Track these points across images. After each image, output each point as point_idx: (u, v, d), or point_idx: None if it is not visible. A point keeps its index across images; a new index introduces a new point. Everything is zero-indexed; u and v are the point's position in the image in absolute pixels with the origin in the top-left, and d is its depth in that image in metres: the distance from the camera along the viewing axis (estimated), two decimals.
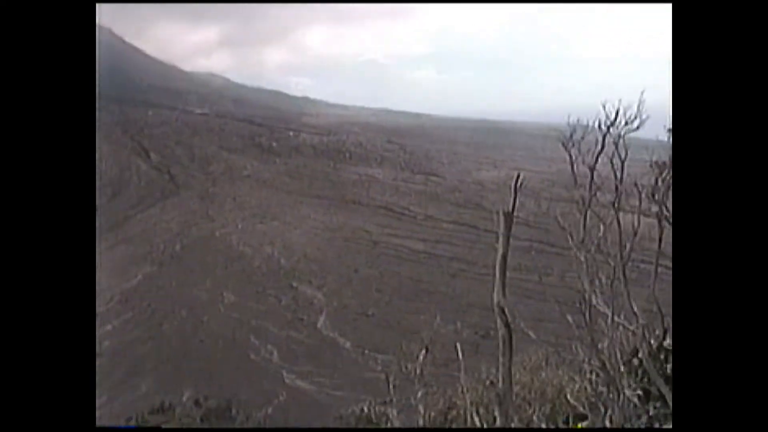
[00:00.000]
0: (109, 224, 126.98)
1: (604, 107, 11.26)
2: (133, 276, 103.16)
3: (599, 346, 11.67)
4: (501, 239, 10.58)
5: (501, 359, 10.74)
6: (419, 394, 17.15)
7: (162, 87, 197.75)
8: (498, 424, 11.05)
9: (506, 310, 10.59)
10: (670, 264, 7.84)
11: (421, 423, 17.39)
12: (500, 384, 10.85)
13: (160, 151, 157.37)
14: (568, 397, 14.39)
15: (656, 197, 10.93)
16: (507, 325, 10.63)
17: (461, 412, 17.48)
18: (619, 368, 11.71)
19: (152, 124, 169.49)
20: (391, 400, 18.95)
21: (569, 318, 12.50)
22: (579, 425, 13.93)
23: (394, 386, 18.54)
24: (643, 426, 11.55)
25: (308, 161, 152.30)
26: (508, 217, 10.51)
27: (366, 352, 77.98)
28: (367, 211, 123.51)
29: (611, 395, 11.67)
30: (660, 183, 10.88)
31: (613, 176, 11.53)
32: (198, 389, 69.29)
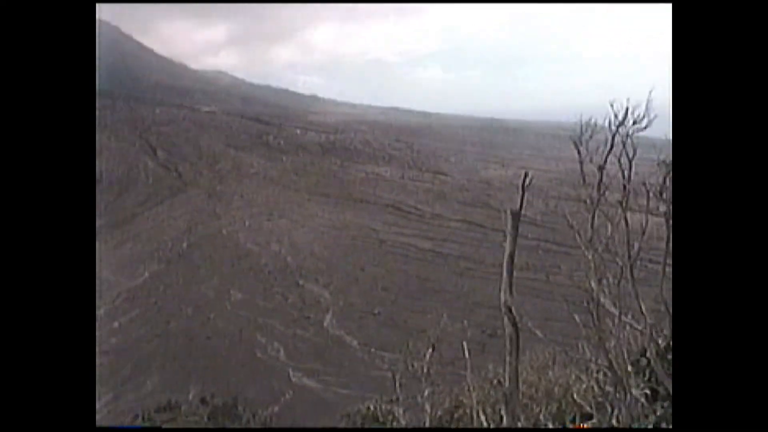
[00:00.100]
0: (117, 222, 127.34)
1: (612, 106, 11.22)
2: (140, 274, 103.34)
3: (607, 345, 11.62)
4: (508, 238, 10.56)
5: (508, 358, 10.72)
6: (426, 392, 17.15)
7: (170, 85, 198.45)
8: (505, 423, 11.02)
9: (513, 309, 10.56)
10: None
11: (427, 421, 17.37)
12: (507, 383, 10.83)
13: (168, 148, 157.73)
14: (575, 396, 14.36)
15: (664, 196, 10.88)
16: (514, 324, 10.61)
17: (468, 411, 17.46)
18: (626, 368, 11.68)
19: (160, 122, 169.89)
20: (398, 399, 18.97)
21: (576, 317, 12.46)
22: (584, 425, 13.90)
23: (400, 385, 18.55)
24: (650, 426, 11.52)
25: (315, 159, 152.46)
26: (516, 215, 10.48)
27: (372, 350, 78.03)
28: (374, 210, 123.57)
29: (618, 395, 11.63)
30: (668, 182, 10.84)
31: (621, 175, 11.48)
32: (204, 387, 69.29)
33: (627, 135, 11.28)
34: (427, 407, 17.32)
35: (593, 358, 12.52)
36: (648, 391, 11.59)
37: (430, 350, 17.63)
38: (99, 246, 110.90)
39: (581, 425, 14.09)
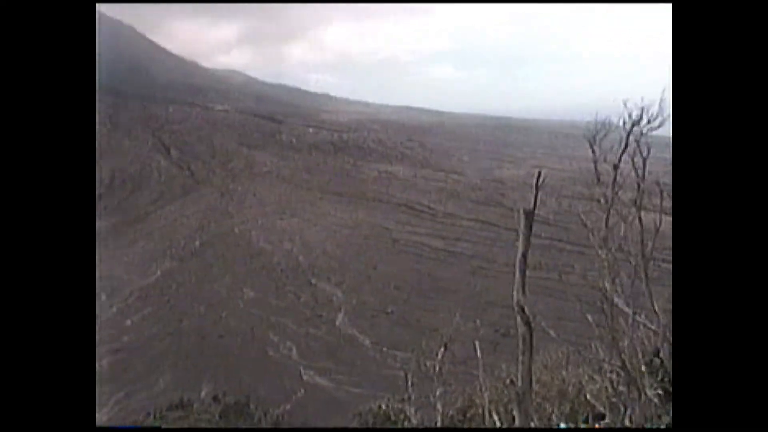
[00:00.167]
0: (129, 220, 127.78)
1: (625, 105, 11.18)
2: (152, 272, 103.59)
3: (620, 345, 11.58)
4: (521, 237, 10.51)
5: (521, 357, 10.67)
6: (438, 391, 17.12)
7: (183, 83, 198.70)
8: (517, 422, 10.98)
9: (526, 309, 10.52)
10: None
11: (439, 420, 17.35)
12: (520, 382, 10.78)
13: (181, 147, 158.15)
14: (588, 396, 14.31)
15: None
16: (527, 323, 10.56)
17: (480, 410, 17.43)
18: (639, 368, 11.63)
19: (173, 121, 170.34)
20: (410, 398, 18.94)
21: (590, 317, 12.41)
22: (597, 425, 13.86)
23: (412, 384, 18.53)
24: (663, 426, 11.46)
25: (328, 158, 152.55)
26: (529, 214, 10.43)
27: (385, 349, 78.02)
28: (386, 209, 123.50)
29: (632, 395, 11.59)
30: None
31: (634, 174, 11.44)
32: (216, 385, 69.48)
33: (641, 134, 11.24)
34: (439, 406, 17.31)
35: (606, 358, 12.47)
36: (661, 392, 11.54)
37: (443, 349, 17.61)
38: (112, 244, 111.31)
39: (595, 425, 14.05)
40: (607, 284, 11.35)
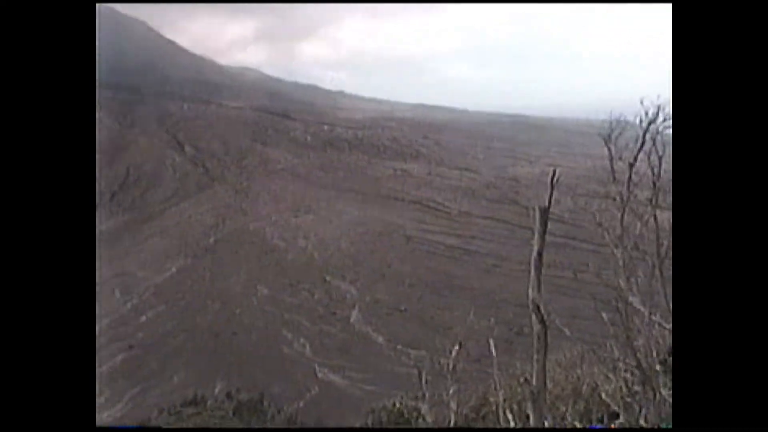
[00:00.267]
0: (144, 217, 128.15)
1: (641, 103, 11.13)
2: (167, 269, 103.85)
3: (635, 344, 11.53)
4: (536, 235, 10.48)
5: (535, 356, 10.64)
6: (451, 389, 17.10)
7: (197, 81, 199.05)
8: (531, 421, 10.95)
9: (541, 307, 10.49)
10: None
11: (452, 419, 17.33)
12: (534, 381, 10.74)
13: (195, 144, 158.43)
14: (603, 395, 14.26)
15: None
16: (542, 321, 10.53)
17: (494, 408, 17.41)
18: (654, 367, 11.58)
19: (187, 118, 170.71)
20: (424, 396, 18.93)
21: (604, 316, 12.37)
22: (612, 425, 13.81)
23: (426, 381, 18.51)
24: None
25: (343, 155, 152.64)
26: (544, 212, 10.40)
27: (398, 347, 78.01)
28: (401, 206, 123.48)
29: (647, 394, 11.54)
30: None
31: (650, 172, 11.38)
32: (230, 382, 69.65)
33: (657, 132, 11.19)
34: (453, 405, 17.28)
35: (621, 357, 12.43)
36: None
37: (457, 347, 17.59)
38: (126, 241, 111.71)
39: (610, 425, 14.01)
40: (622, 283, 11.31)
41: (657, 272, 11.28)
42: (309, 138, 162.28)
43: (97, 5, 7.98)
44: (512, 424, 15.03)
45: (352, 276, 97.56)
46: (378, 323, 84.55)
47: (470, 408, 21.13)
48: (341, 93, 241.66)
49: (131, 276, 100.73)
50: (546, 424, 11.51)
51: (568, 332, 13.94)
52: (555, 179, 10.70)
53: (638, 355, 11.46)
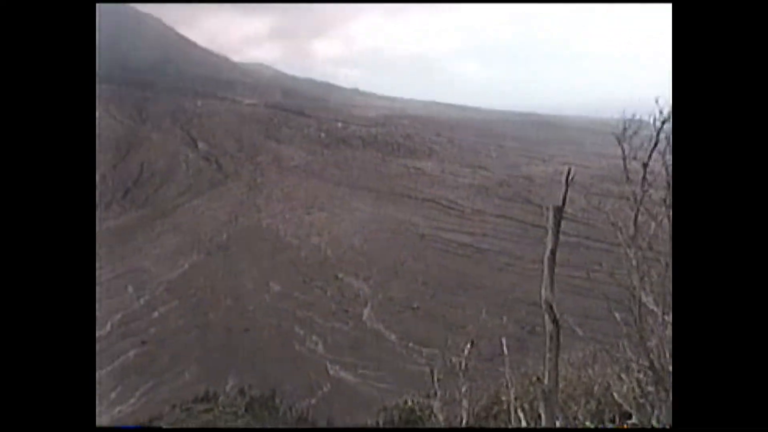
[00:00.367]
0: (157, 213, 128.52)
1: (656, 102, 11.08)
2: (180, 265, 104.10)
3: (648, 344, 11.49)
4: (550, 234, 10.44)
5: (548, 355, 10.61)
6: (463, 388, 17.08)
7: (212, 77, 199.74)
8: (543, 420, 10.93)
9: (554, 306, 10.46)
10: None
11: (464, 417, 17.32)
12: (546, 380, 10.72)
13: (209, 140, 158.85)
14: (615, 395, 14.23)
15: None
16: (554, 321, 10.50)
17: (505, 407, 17.38)
18: (667, 368, 11.54)
19: (201, 114, 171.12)
20: (435, 394, 18.91)
21: (617, 315, 12.33)
22: (625, 425, 13.78)
23: (438, 380, 18.50)
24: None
25: (357, 153, 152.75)
26: (558, 211, 10.37)
27: (411, 344, 77.97)
28: (414, 204, 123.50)
29: (659, 395, 11.50)
30: None
31: (665, 172, 11.34)
32: (242, 378, 69.75)
33: (671, 132, 11.15)
34: (465, 403, 17.25)
35: (634, 357, 12.39)
36: None
37: (469, 345, 17.57)
38: (140, 237, 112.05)
39: (623, 425, 13.98)
40: (635, 282, 11.27)
41: (670, 273, 11.24)
42: (323, 135, 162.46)
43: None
44: (524, 423, 15.00)
45: (365, 273, 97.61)
46: (390, 321, 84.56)
47: (482, 407, 21.10)
48: (356, 90, 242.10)
49: (144, 272, 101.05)
50: (558, 424, 11.48)
51: (580, 332, 13.94)
52: (570, 178, 10.67)
53: (651, 355, 11.42)
